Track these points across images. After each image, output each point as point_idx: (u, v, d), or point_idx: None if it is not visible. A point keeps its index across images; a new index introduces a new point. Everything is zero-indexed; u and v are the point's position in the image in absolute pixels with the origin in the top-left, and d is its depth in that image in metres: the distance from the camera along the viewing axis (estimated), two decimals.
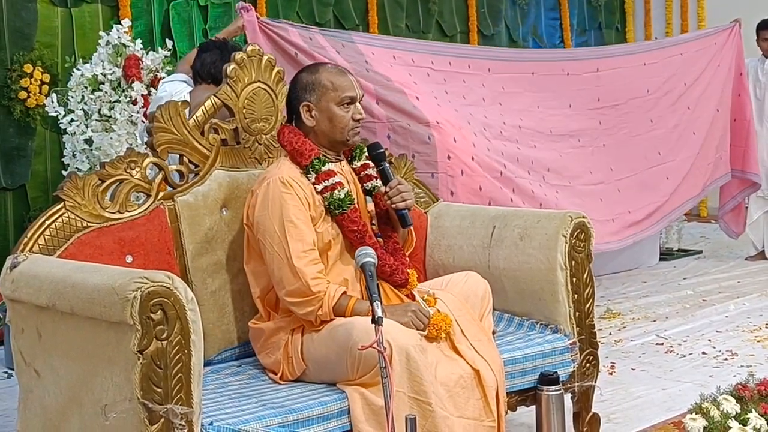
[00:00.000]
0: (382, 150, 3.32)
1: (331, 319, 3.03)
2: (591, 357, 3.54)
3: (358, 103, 3.22)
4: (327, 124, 3.18)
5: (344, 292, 3.05)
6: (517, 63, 5.99)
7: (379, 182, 3.31)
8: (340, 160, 3.28)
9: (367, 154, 3.34)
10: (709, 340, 5.19)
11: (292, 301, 3.03)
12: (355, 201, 3.18)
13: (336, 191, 3.12)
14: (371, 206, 3.32)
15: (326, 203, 3.12)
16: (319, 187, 3.12)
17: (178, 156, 3.33)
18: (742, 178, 7.21)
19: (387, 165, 3.31)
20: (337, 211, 3.12)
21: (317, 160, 3.14)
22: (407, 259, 3.31)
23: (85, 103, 4.87)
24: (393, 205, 3.22)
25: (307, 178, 3.14)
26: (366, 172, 3.32)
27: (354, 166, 3.33)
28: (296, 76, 3.27)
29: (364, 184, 3.31)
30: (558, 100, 5.96)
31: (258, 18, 4.77)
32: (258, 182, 3.17)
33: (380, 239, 3.25)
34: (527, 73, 5.91)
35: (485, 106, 5.49)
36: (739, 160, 7.14)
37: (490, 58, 5.86)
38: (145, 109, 4.81)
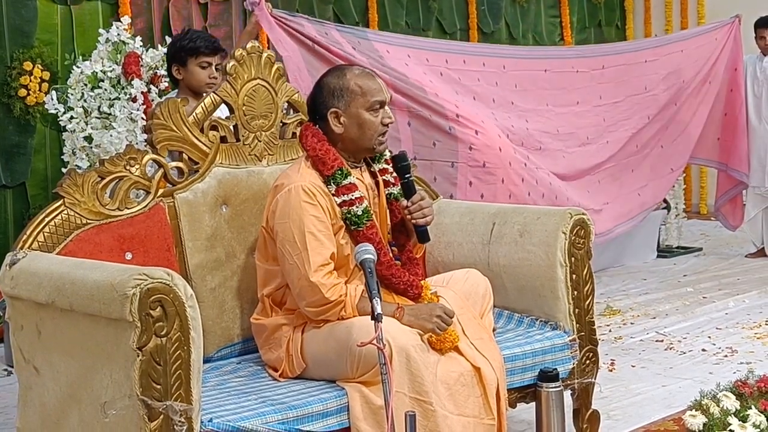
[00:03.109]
0: (407, 162, 3.23)
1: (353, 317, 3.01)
2: (591, 354, 3.54)
3: (387, 107, 3.15)
4: (356, 131, 3.11)
5: (363, 292, 3.01)
6: (531, 60, 6.02)
7: (395, 189, 3.27)
8: (360, 166, 3.22)
9: (387, 158, 3.27)
10: (709, 337, 5.19)
11: (312, 311, 3.02)
12: (372, 214, 3.14)
13: (354, 207, 3.07)
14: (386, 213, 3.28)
15: (343, 217, 3.09)
16: (339, 200, 3.07)
17: (176, 153, 3.33)
18: (727, 172, 7.20)
19: (412, 178, 3.24)
20: (353, 227, 3.09)
21: (339, 172, 3.08)
22: (420, 268, 3.29)
23: (85, 101, 4.86)
24: (413, 221, 3.19)
25: (328, 188, 3.09)
26: (384, 177, 3.27)
27: (373, 170, 3.27)
28: (321, 80, 3.18)
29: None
30: (567, 97, 5.99)
31: (270, 11, 4.73)
32: (278, 186, 3.11)
33: (394, 248, 3.23)
34: (540, 70, 5.93)
35: (494, 107, 5.51)
36: (725, 155, 7.13)
37: (505, 56, 5.89)
38: (144, 106, 4.81)
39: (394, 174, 3.27)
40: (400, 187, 3.26)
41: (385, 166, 3.29)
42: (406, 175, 3.22)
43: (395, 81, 4.97)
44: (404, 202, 3.20)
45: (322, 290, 2.97)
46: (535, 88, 5.84)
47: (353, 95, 3.10)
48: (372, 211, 3.15)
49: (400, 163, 3.23)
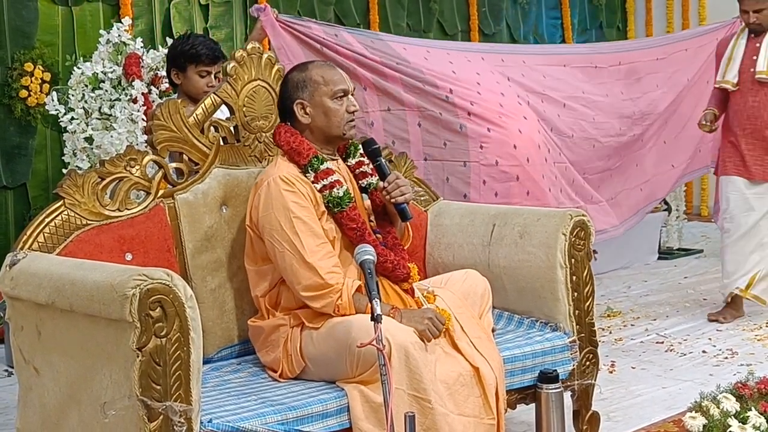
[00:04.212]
0: (377, 146, 3.32)
1: (349, 313, 3.02)
2: (591, 355, 3.54)
3: (351, 96, 3.23)
4: (322, 119, 3.19)
5: (359, 287, 3.04)
6: (548, 56, 6.02)
7: (374, 179, 3.31)
8: (336, 159, 3.28)
9: (361, 151, 3.34)
10: (710, 338, 5.19)
11: (308, 296, 3.03)
12: (353, 198, 3.18)
13: (335, 189, 3.12)
14: (367, 203, 3.32)
15: (325, 201, 3.12)
16: (318, 186, 3.13)
17: (177, 154, 3.33)
18: None
19: (383, 160, 3.30)
20: (336, 210, 3.12)
21: (315, 159, 3.15)
22: (406, 253, 3.31)
23: (86, 102, 4.86)
24: (392, 200, 3.22)
25: (306, 176, 3.14)
26: (361, 169, 3.33)
27: (349, 164, 3.33)
28: (286, 76, 3.28)
29: (360, 182, 3.31)
30: (596, 89, 5.98)
31: (277, 17, 4.74)
32: (258, 183, 3.17)
33: (379, 235, 3.25)
34: (560, 65, 5.93)
35: (528, 92, 5.50)
36: None
37: (522, 52, 5.90)
38: (145, 107, 4.81)
39: (371, 165, 3.32)
40: (375, 171, 3.31)
41: (361, 159, 3.33)
42: (378, 158, 3.30)
43: (406, 78, 4.96)
44: (381, 184, 3.23)
45: (320, 272, 2.99)
46: (564, 77, 5.84)
47: (316, 85, 3.18)
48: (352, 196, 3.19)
49: (370, 147, 3.31)
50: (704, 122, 5.55)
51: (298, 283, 3.03)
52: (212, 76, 4.32)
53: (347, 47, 4.86)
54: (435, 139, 4.99)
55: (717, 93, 5.67)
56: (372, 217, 3.31)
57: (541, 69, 5.77)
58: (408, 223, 3.35)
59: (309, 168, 3.14)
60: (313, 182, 3.13)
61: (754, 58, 5.39)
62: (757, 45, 5.39)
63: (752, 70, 5.38)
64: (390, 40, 5.24)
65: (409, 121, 4.93)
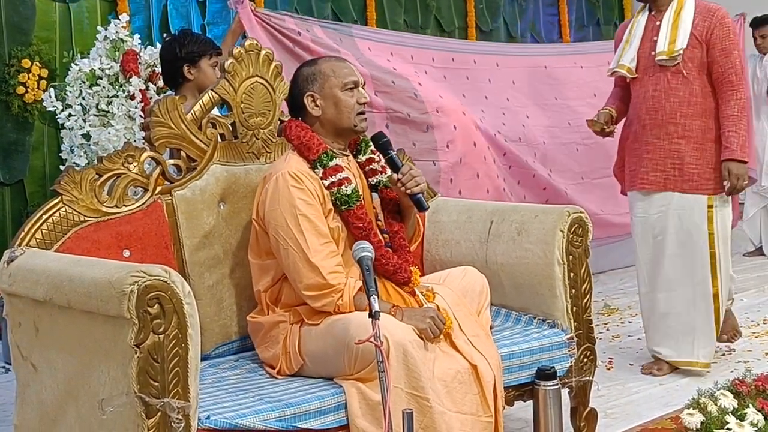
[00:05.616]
0: (386, 139, 3.29)
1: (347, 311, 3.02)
2: (588, 352, 3.54)
3: (361, 88, 3.22)
4: (333, 111, 3.18)
5: (361, 287, 3.03)
6: (527, 58, 6.00)
7: (384, 176, 3.29)
8: (346, 155, 3.26)
9: (372, 147, 3.32)
10: None
11: (310, 295, 3.02)
12: (362, 196, 3.17)
13: (343, 187, 3.11)
14: (376, 202, 3.31)
15: (333, 199, 3.11)
16: (327, 182, 3.11)
17: (174, 151, 3.33)
18: None
19: (394, 153, 3.28)
20: (343, 207, 3.11)
21: (325, 155, 3.13)
22: (411, 256, 3.30)
23: (83, 98, 4.86)
24: (408, 191, 3.19)
25: (315, 172, 3.13)
26: (371, 166, 3.31)
27: (359, 161, 3.32)
28: (297, 71, 3.27)
29: (369, 179, 3.30)
30: (580, 90, 5.95)
31: (253, 9, 4.76)
32: (266, 177, 3.15)
33: (385, 235, 3.24)
34: (540, 66, 5.90)
35: (486, 105, 5.49)
36: None
37: (497, 53, 5.88)
38: (142, 103, 4.81)
39: (381, 163, 3.31)
40: (386, 163, 3.29)
41: (371, 156, 3.32)
42: (389, 150, 3.27)
43: (374, 73, 4.96)
44: (395, 176, 3.22)
45: (322, 272, 2.99)
46: (537, 83, 5.81)
47: (326, 77, 3.18)
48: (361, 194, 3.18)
49: (380, 141, 3.29)
50: (595, 119, 4.56)
51: (300, 281, 3.02)
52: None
53: (319, 42, 4.87)
54: (404, 140, 5.00)
55: (617, 89, 4.72)
56: (380, 216, 3.30)
57: (513, 73, 5.75)
58: (419, 219, 3.34)
59: (318, 164, 3.12)
60: (321, 179, 3.11)
61: (655, 38, 4.41)
62: (658, 23, 4.43)
63: (653, 53, 4.40)
64: (359, 36, 5.23)
65: (377, 123, 4.94)
